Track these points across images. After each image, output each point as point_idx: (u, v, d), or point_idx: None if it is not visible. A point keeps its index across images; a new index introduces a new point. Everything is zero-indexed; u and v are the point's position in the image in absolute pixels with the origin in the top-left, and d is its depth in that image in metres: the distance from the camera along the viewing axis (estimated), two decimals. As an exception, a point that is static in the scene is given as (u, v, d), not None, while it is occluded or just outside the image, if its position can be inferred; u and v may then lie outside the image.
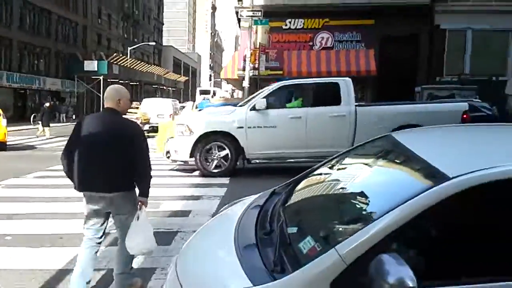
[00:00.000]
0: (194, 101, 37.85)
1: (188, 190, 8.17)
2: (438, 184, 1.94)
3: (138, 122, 21.73)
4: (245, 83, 18.33)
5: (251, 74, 18.70)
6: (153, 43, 61.96)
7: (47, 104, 22.02)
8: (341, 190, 2.81)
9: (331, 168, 3.14)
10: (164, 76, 66.37)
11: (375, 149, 3.01)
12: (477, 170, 1.95)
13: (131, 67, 50.55)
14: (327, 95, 10.01)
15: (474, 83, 19.58)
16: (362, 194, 2.54)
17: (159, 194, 7.71)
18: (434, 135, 2.88)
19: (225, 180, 9.22)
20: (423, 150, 2.41)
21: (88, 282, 3.75)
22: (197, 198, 7.53)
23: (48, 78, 41.27)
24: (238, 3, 19.86)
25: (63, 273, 4.25)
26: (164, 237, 5.17)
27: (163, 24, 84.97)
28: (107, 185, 3.59)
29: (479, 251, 1.95)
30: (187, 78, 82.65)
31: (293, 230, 2.41)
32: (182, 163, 10.75)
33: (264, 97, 9.75)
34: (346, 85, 9.79)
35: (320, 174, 3.12)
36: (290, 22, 22.84)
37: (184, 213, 6.50)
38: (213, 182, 8.95)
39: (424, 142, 2.69)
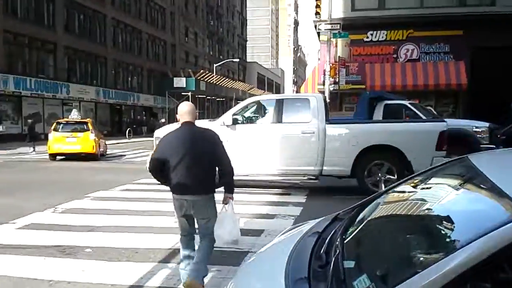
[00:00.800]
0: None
1: (263, 208, 8.12)
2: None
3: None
4: (325, 98, 18.08)
5: (331, 88, 18.43)
6: (237, 60, 63.66)
7: (163, 120, 23.52)
8: (408, 219, 2.57)
9: (399, 193, 2.91)
10: (249, 91, 67.79)
11: (448, 174, 2.74)
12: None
13: (217, 83, 52.27)
14: (297, 112, 9.72)
15: None
16: (429, 226, 2.30)
17: (234, 211, 7.76)
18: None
19: (302, 199, 9.07)
20: (502, 178, 2.13)
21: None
22: (271, 217, 7.45)
23: (141, 95, 43.94)
24: (316, 17, 19.75)
25: (132, 290, 4.36)
26: (234, 257, 5.15)
27: (246, 40, 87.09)
28: (196, 189, 4.11)
29: None
30: (270, 93, 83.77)
31: (350, 264, 2.24)
32: None
33: (233, 113, 9.75)
34: (316, 102, 9.43)
35: (388, 199, 2.90)
36: (371, 35, 22.26)
37: (257, 233, 6.44)
38: (289, 201, 8.84)
39: (503, 168, 2.39)
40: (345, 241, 2.49)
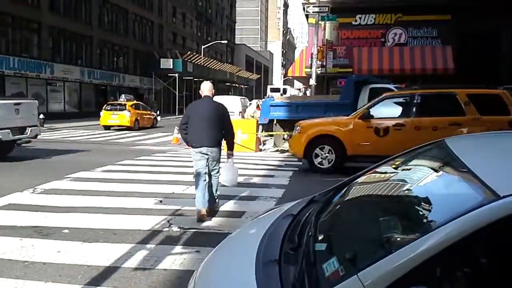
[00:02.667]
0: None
1: (245, 190, 8.05)
2: (486, 204, 1.65)
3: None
4: (312, 81, 18.02)
5: (318, 71, 18.34)
6: (225, 42, 63.01)
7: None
8: (381, 201, 2.54)
9: (375, 176, 2.87)
10: (236, 74, 67.32)
11: (425, 157, 2.70)
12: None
13: (205, 65, 51.76)
14: None
15: None
16: (402, 208, 2.27)
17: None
18: (492, 144, 2.50)
19: (285, 181, 9.04)
20: (475, 162, 2.09)
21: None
22: (253, 198, 7.41)
23: (127, 75, 43.31)
24: (305, -1, 19.61)
25: (110, 271, 4.28)
26: (214, 238, 5.07)
27: (235, 22, 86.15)
28: (210, 143, 6.02)
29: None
30: (259, 76, 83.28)
31: (321, 247, 2.19)
32: None
33: None
34: None
35: (363, 182, 2.86)
36: (360, 18, 22.19)
37: (238, 214, 6.40)
38: (272, 183, 8.80)
39: (477, 152, 2.35)
40: (318, 224, 2.45)
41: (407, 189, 2.39)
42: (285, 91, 46.92)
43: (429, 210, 1.99)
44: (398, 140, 8.80)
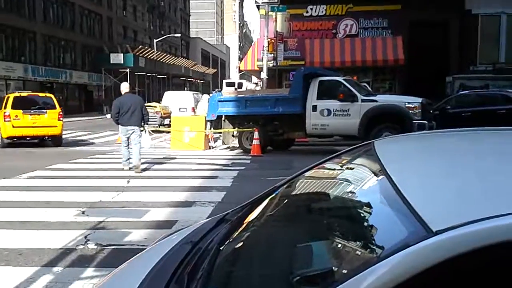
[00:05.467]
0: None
1: (182, 194, 7.40)
2: (412, 245, 1.12)
3: (158, 116, 21.48)
4: (263, 74, 17.50)
5: (270, 64, 17.84)
6: (179, 35, 61.58)
7: None
8: (294, 222, 2.00)
9: (292, 187, 2.34)
10: (192, 68, 66.09)
11: (349, 167, 2.18)
12: (473, 222, 1.12)
13: (158, 59, 50.39)
14: None
15: (510, 72, 18.16)
16: (317, 233, 1.73)
17: (149, 199, 7.04)
18: (429, 150, 1.98)
19: (228, 183, 8.45)
20: (404, 176, 1.57)
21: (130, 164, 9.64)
22: (189, 204, 6.78)
23: (74, 72, 41.46)
24: (255, -11, 19.03)
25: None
26: (130, 255, 4.44)
27: (189, 15, 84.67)
28: (135, 123, 9.34)
29: None
30: (215, 70, 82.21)
31: (211, 293, 1.63)
32: None
33: None
34: None
35: (281, 194, 2.31)
36: (311, 9, 21.83)
37: (168, 224, 5.72)
38: (214, 185, 8.19)
39: (409, 161, 1.82)
40: (218, 256, 1.89)
41: (329, 209, 1.86)
42: (240, 85, 46.26)
43: (351, 249, 1.45)
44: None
